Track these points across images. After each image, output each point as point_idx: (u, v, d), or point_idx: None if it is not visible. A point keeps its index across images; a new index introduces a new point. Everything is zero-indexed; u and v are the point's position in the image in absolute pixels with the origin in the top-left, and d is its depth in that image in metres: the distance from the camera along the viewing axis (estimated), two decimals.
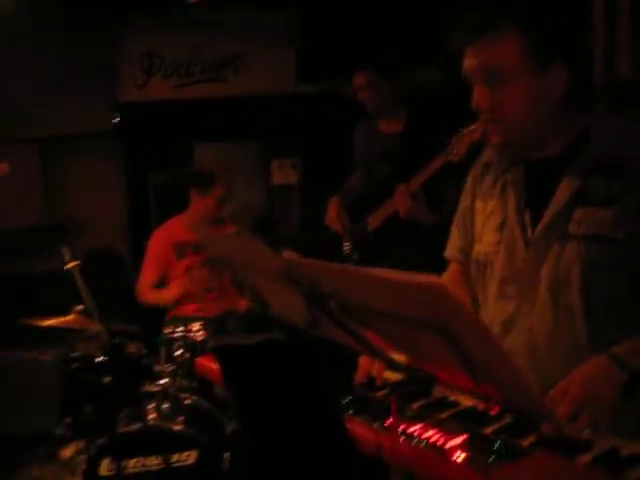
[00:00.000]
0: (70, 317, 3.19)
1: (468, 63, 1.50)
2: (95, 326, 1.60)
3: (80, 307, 3.21)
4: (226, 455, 2.88)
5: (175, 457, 2.82)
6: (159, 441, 2.84)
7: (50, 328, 4.07)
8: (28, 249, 4.88)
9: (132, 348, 3.53)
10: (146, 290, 3.77)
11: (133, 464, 2.85)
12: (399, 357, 1.33)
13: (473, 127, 2.46)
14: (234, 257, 1.48)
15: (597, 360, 1.34)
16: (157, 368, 3.04)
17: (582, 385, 1.28)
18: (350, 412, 1.26)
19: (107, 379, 3.37)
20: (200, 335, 3.00)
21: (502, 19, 1.45)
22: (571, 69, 1.46)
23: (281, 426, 1.22)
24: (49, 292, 3.77)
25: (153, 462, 2.83)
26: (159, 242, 3.76)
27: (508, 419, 1.24)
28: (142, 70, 5.08)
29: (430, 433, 1.14)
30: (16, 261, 4.72)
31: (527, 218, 1.56)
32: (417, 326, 1.07)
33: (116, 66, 5.05)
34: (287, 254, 1.37)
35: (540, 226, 1.52)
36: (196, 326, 3.04)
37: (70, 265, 1.64)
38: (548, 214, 1.50)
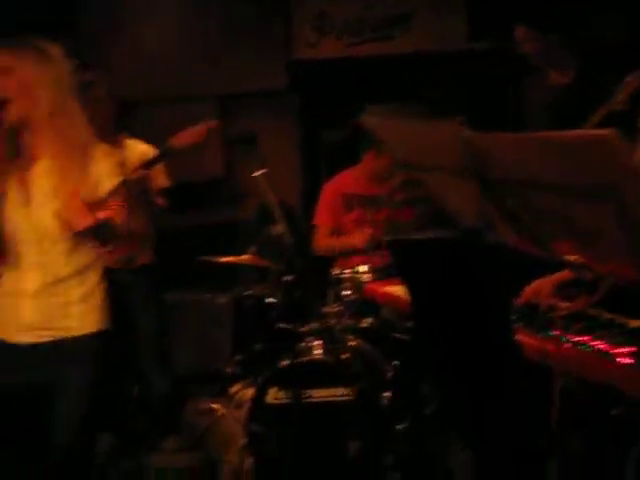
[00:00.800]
0: (245, 257, 3.41)
1: None
2: (278, 228, 1.70)
3: (254, 248, 3.43)
4: (385, 394, 2.97)
5: (336, 391, 2.96)
6: (323, 375, 2.99)
7: (227, 271, 4.37)
8: (209, 201, 5.22)
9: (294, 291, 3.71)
10: (323, 238, 3.90)
11: (298, 395, 3.01)
12: (571, 257, 1.31)
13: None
14: (409, 151, 1.51)
15: None
16: (325, 309, 3.18)
17: None
18: (516, 323, 1.28)
19: (277, 319, 3.57)
20: (367, 277, 3.09)
21: None
22: None
23: (452, 322, 1.26)
24: (229, 241, 4.01)
25: (316, 394, 2.99)
26: (330, 193, 3.88)
27: None
28: (314, 29, 5.21)
29: (595, 342, 1.14)
30: (198, 212, 5.06)
31: None
32: (584, 198, 1.04)
33: (289, 26, 5.22)
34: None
35: None
36: (364, 268, 3.13)
37: (258, 172, 1.75)
38: None
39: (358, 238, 3.66)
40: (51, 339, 2.06)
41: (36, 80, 1.96)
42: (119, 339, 3.53)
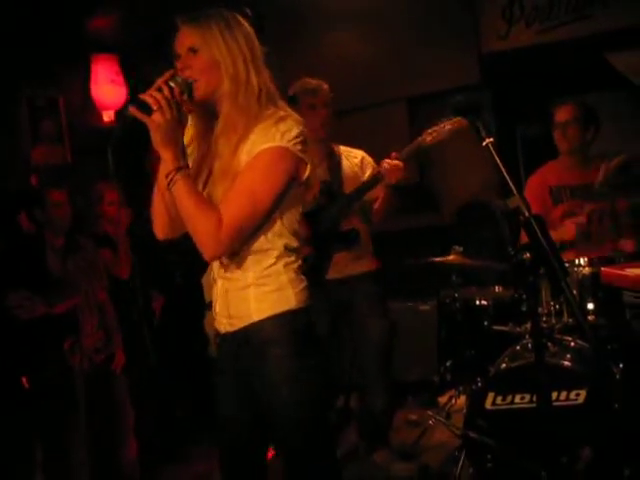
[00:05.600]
0: (451, 257, 3.31)
1: None
2: (513, 200, 1.59)
3: (459, 248, 3.32)
4: (616, 398, 2.72)
5: (562, 395, 2.76)
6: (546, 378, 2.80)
7: (428, 278, 4.30)
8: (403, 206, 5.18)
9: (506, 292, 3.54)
10: None
11: (519, 400, 2.85)
12: None
13: None
14: None
15: None
16: (540, 309, 2.98)
17: None
18: None
19: (486, 322, 3.43)
20: (586, 270, 2.87)
21: None
22: None
23: None
24: (429, 246, 3.92)
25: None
26: (535, 187, 3.68)
27: None
28: (504, 20, 5.02)
29: None
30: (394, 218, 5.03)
31: None
32: None
33: (478, 19, 5.06)
34: None
35: None
36: (582, 260, 2.91)
37: (486, 142, 1.66)
38: None
39: (567, 231, 3.45)
40: (235, 328, 1.95)
41: (221, 59, 1.89)
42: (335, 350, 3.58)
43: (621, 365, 2.89)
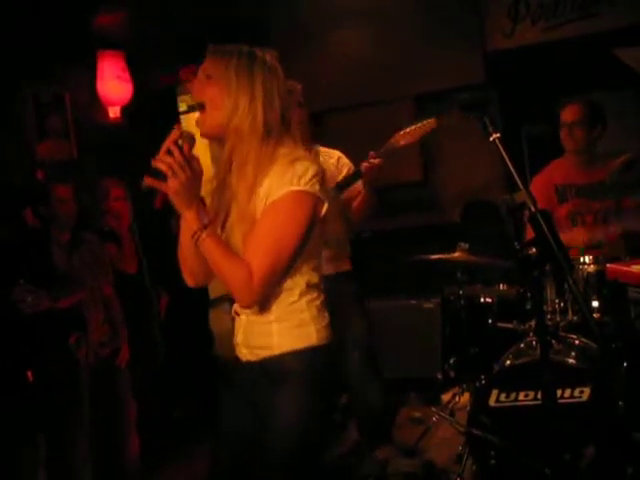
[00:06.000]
0: (456, 254, 3.31)
1: None
2: (519, 195, 1.59)
3: (465, 245, 3.32)
4: (620, 397, 2.72)
5: (567, 392, 2.76)
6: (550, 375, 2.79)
7: (431, 276, 4.30)
8: (406, 204, 5.19)
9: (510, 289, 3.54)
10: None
11: (523, 397, 2.85)
12: None
13: None
14: None
15: None
16: (545, 307, 2.98)
17: None
18: None
19: (490, 319, 3.43)
20: (592, 268, 2.87)
21: None
22: None
23: None
24: (433, 244, 3.91)
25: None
26: (540, 185, 3.67)
27: None
28: (509, 18, 5.01)
29: None
30: (397, 216, 5.03)
31: None
32: None
33: (483, 17, 5.05)
34: None
35: None
36: (587, 258, 2.91)
37: (493, 137, 1.66)
38: None
39: (575, 237, 3.42)
40: (256, 358, 1.98)
41: (226, 95, 1.88)
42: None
43: (625, 363, 2.89)
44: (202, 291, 4.89)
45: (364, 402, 3.61)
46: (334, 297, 3.42)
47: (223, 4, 4.85)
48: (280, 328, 1.93)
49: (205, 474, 3.83)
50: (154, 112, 4.94)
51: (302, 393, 1.91)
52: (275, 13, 5.27)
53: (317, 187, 1.87)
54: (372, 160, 3.20)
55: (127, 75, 5.12)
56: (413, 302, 4.82)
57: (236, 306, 2.03)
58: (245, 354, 2.02)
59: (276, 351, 1.92)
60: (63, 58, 4.71)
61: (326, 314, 1.99)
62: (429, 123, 3.08)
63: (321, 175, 1.89)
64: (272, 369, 1.94)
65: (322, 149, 3.57)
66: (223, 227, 2.00)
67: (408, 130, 3.12)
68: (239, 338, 2.04)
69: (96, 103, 5.07)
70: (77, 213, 3.43)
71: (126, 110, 5.11)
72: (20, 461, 3.12)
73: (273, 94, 1.91)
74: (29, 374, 3.17)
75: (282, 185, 1.84)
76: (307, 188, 1.85)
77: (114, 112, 5.11)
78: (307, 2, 5.34)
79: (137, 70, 5.16)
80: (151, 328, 4.04)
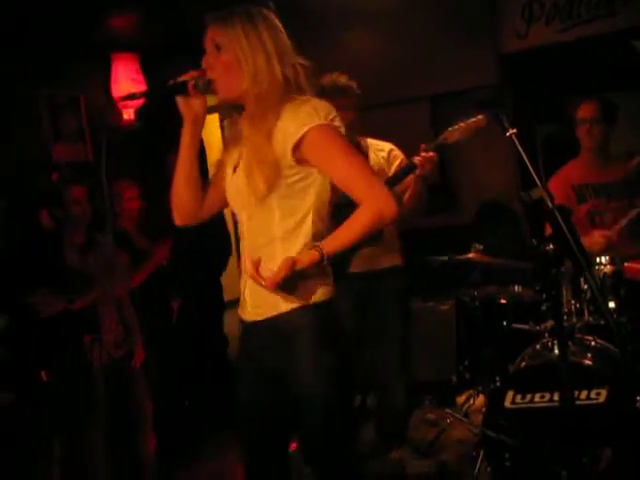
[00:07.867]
0: (471, 254, 3.29)
1: None
2: (537, 192, 1.58)
3: (480, 246, 3.30)
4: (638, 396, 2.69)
5: (583, 394, 2.73)
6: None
7: (446, 278, 4.27)
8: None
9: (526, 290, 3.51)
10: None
11: (539, 398, 2.83)
12: None
13: None
14: None
15: None
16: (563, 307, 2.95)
17: None
18: None
19: (505, 321, 3.40)
20: (608, 268, 2.84)
21: None
22: None
23: None
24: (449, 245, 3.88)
25: (557, 398, 2.77)
26: (557, 186, 3.63)
27: None
28: (523, 18, 4.99)
29: None
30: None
31: None
32: None
33: (497, 19, 5.04)
34: None
35: None
36: (604, 259, 2.87)
37: (511, 132, 1.65)
38: None
39: (595, 242, 3.31)
40: (262, 318, 1.97)
41: (242, 57, 1.91)
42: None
43: None
44: (217, 294, 4.90)
45: (390, 403, 3.58)
46: (382, 293, 3.42)
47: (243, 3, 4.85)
48: (286, 285, 1.89)
49: (219, 472, 3.85)
50: (168, 114, 4.95)
51: (313, 346, 1.91)
52: (288, 14, 5.26)
53: (339, 125, 1.90)
54: (424, 154, 3.14)
55: (141, 77, 5.15)
56: (428, 304, 4.78)
57: (243, 265, 2.02)
58: (251, 314, 2.01)
59: (283, 308, 1.92)
60: (78, 60, 4.74)
61: (329, 269, 1.98)
62: (478, 120, 3.01)
63: (336, 114, 1.90)
64: (279, 327, 1.93)
65: (372, 141, 3.51)
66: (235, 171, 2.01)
67: (457, 127, 3.06)
68: (245, 297, 2.03)
69: (111, 105, 5.10)
70: (91, 215, 3.44)
71: (140, 112, 5.13)
72: (35, 460, 3.13)
73: (283, 47, 1.95)
74: (43, 374, 3.19)
75: (299, 124, 1.85)
76: (328, 122, 1.87)
77: (128, 114, 5.14)
78: (322, 2, 5.33)
79: (151, 72, 5.19)
80: (165, 330, 4.05)
